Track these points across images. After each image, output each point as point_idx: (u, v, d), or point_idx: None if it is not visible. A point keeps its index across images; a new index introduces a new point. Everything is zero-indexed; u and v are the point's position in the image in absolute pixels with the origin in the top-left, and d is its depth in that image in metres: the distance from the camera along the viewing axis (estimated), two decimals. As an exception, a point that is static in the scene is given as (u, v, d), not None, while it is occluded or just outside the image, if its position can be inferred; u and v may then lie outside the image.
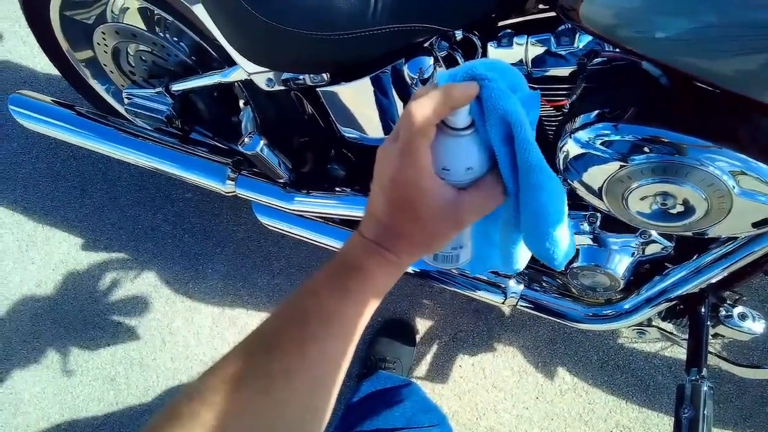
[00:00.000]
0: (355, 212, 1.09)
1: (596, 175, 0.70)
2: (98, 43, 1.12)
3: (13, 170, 1.55)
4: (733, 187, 0.63)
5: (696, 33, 0.54)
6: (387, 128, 0.94)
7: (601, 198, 0.73)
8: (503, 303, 1.07)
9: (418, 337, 1.38)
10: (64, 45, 1.16)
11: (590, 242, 0.92)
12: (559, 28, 0.71)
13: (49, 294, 1.46)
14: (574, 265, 0.94)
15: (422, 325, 1.39)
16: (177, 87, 1.07)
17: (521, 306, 1.07)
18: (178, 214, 1.52)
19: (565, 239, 0.45)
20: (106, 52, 1.13)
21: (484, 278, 1.07)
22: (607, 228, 0.90)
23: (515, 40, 0.74)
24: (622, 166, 0.67)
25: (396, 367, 1.30)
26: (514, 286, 1.05)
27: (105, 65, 1.18)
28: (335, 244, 1.16)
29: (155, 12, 1.03)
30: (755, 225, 0.68)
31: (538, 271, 1.07)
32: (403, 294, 1.41)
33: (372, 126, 0.94)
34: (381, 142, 1.06)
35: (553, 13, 0.74)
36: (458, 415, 1.31)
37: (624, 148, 0.66)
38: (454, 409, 1.31)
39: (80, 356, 1.40)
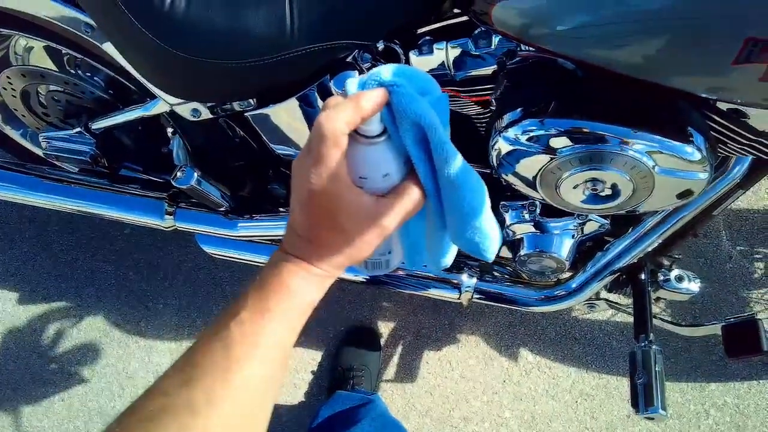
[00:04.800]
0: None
1: (529, 169, 0.73)
2: (4, 88, 1.05)
3: (-72, 231, 1.45)
4: (653, 167, 0.67)
5: (597, 26, 0.57)
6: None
7: (536, 189, 0.76)
8: (458, 298, 1.09)
9: (382, 341, 1.39)
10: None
11: (533, 229, 0.95)
12: (476, 32, 0.73)
13: (-11, 356, 1.37)
14: (521, 252, 0.98)
15: (385, 328, 1.40)
16: (97, 125, 1.02)
17: (477, 299, 1.09)
18: (119, 253, 1.46)
19: (492, 231, 0.46)
20: (15, 96, 1.07)
21: (437, 276, 1.08)
22: (547, 214, 0.93)
23: (435, 46, 0.75)
24: (551, 159, 0.70)
25: (364, 374, 1.30)
26: (468, 281, 1.07)
27: (15, 110, 1.12)
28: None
29: (63, 51, 0.98)
30: (679, 196, 0.72)
31: (488, 263, 1.10)
32: (363, 300, 1.42)
33: (304, 141, 0.94)
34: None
35: (466, 18, 0.75)
36: (431, 410, 1.33)
37: (550, 141, 0.68)
38: (427, 405, 1.33)
39: (33, 416, 1.33)
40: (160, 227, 1.09)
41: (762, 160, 0.74)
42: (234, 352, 0.37)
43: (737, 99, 0.61)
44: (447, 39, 0.74)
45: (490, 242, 0.47)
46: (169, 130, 1.12)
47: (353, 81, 0.40)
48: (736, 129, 0.68)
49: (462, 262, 1.09)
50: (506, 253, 1.05)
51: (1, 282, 1.43)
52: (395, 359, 1.37)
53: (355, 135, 0.40)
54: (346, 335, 1.39)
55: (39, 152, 1.24)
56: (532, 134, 0.69)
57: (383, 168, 0.41)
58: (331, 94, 0.84)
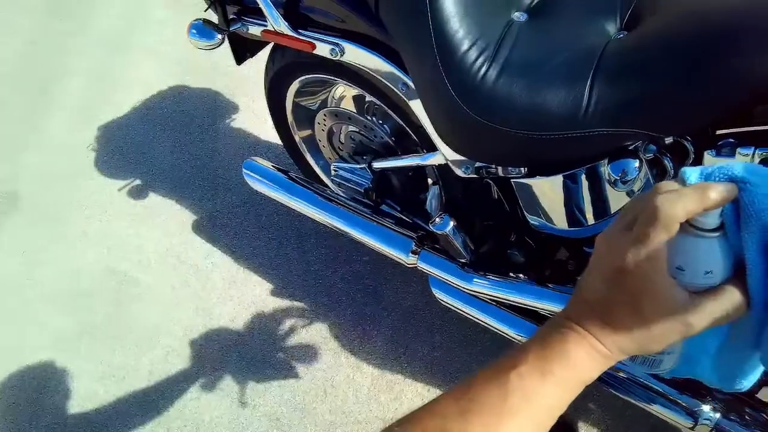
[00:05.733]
0: (528, 300, 1.08)
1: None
2: (319, 123, 1.31)
3: (229, 219, 1.84)
4: None
5: None
6: (574, 221, 0.94)
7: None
8: (691, 429, 0.95)
9: (579, 444, 1.28)
10: (290, 122, 1.38)
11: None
12: (796, 143, 0.66)
13: (239, 329, 1.66)
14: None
15: (586, 431, 1.29)
16: (378, 165, 1.20)
17: (714, 436, 0.94)
18: (355, 275, 1.65)
19: None
20: (323, 131, 1.32)
21: (672, 396, 0.96)
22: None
23: (739, 150, 0.70)
24: None
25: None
26: (708, 412, 0.93)
27: (319, 141, 1.38)
28: (504, 328, 1.15)
29: (366, 98, 1.18)
30: None
31: (741, 401, 0.94)
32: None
33: (559, 218, 0.95)
34: (564, 232, 1.05)
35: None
36: None
37: None
38: None
39: (254, 391, 1.55)
40: (403, 262, 1.20)
41: None
42: (510, 401, 0.38)
43: None
44: (756, 145, 0.69)
45: None
46: (430, 180, 1.25)
47: (694, 170, 0.39)
48: None
49: (705, 389, 0.96)
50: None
51: (264, 273, 1.73)
52: (589, 469, 1.24)
53: (686, 224, 0.39)
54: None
55: (324, 178, 1.49)
56: None
57: (708, 265, 0.39)
58: (600, 178, 0.85)
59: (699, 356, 0.47)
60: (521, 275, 1.12)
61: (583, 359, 0.40)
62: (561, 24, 0.84)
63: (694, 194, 0.37)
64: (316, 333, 1.59)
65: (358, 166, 1.23)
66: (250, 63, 1.40)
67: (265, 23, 1.10)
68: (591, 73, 0.74)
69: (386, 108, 1.13)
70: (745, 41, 0.65)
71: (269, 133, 1.76)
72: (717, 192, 0.37)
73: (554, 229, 0.98)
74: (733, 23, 0.68)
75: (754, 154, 0.69)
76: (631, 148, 0.80)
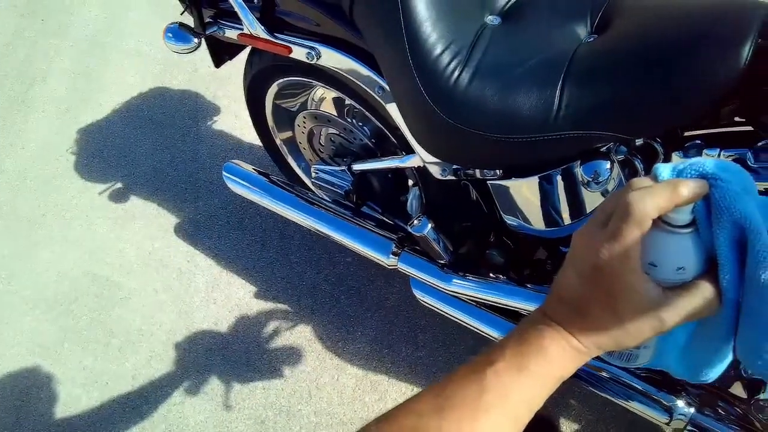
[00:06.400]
0: (507, 301, 1.09)
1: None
2: (299, 125, 1.31)
3: (212, 222, 1.83)
4: None
5: None
6: (550, 221, 0.95)
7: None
8: (667, 424, 0.97)
9: (561, 440, 1.29)
10: (270, 125, 1.38)
11: (784, 374, 0.81)
12: (760, 144, 0.68)
13: (223, 333, 1.65)
14: (761, 396, 0.84)
15: (567, 428, 1.30)
16: (358, 167, 1.20)
17: (689, 431, 0.96)
18: (339, 276, 1.65)
19: None
20: (303, 133, 1.32)
21: (648, 392, 0.98)
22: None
23: (705, 151, 0.72)
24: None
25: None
26: (683, 407, 0.95)
27: (300, 143, 1.37)
28: (484, 328, 1.16)
29: (347, 101, 1.18)
30: None
31: (713, 394, 0.96)
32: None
33: (536, 218, 0.96)
34: (541, 232, 1.06)
35: (750, 128, 0.71)
36: None
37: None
38: None
39: (240, 394, 1.55)
40: (383, 264, 1.21)
41: None
42: (486, 397, 0.39)
43: None
44: (721, 146, 0.71)
45: None
46: (411, 182, 1.25)
47: (666, 167, 0.40)
48: None
49: (681, 385, 0.97)
50: (740, 390, 0.91)
51: (247, 276, 1.72)
52: (571, 465, 1.26)
53: (659, 221, 0.39)
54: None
55: (306, 180, 1.49)
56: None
57: (679, 261, 0.39)
58: (574, 178, 0.86)
59: (669, 348, 0.48)
60: (500, 275, 1.14)
61: (559, 355, 0.41)
62: (533, 28, 0.85)
63: (666, 190, 0.37)
64: (300, 335, 1.59)
65: (339, 168, 1.24)
66: (231, 64, 1.39)
67: (241, 27, 1.10)
68: (562, 77, 0.75)
69: (365, 111, 1.13)
70: (707, 47, 0.66)
71: (251, 135, 1.75)
72: (688, 188, 0.37)
73: (531, 230, 0.99)
74: (696, 30, 0.69)
75: (719, 154, 0.71)
76: (603, 149, 0.81)
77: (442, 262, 1.13)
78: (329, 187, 1.26)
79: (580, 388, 1.30)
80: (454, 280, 1.11)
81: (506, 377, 0.39)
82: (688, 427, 0.96)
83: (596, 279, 0.39)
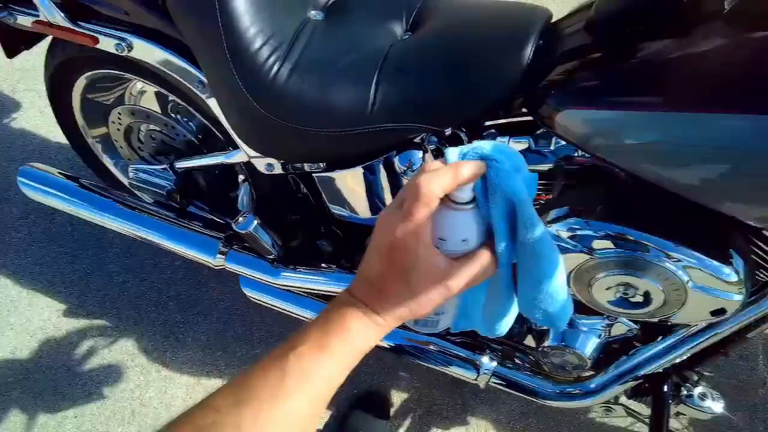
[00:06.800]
0: (339, 288, 1.15)
1: (566, 264, 0.78)
2: (113, 122, 1.20)
3: (9, 235, 1.58)
4: (687, 281, 0.70)
5: (656, 148, 0.62)
6: (375, 209, 1.02)
7: (568, 284, 0.81)
8: (475, 379, 1.11)
9: (393, 410, 1.39)
10: (80, 122, 1.24)
11: (561, 323, 0.99)
12: (538, 132, 0.81)
13: (23, 361, 1.44)
14: (545, 343, 1.01)
15: (398, 397, 1.41)
16: (181, 165, 1.15)
17: (493, 383, 1.11)
18: (166, 282, 1.55)
19: (565, 300, 0.49)
20: (119, 130, 1.21)
21: (458, 354, 1.11)
22: (577, 310, 0.97)
23: (498, 139, 0.83)
24: (588, 258, 0.75)
25: (370, 442, 1.30)
26: (487, 363, 1.10)
27: (116, 141, 1.26)
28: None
29: (170, 97, 1.12)
30: (712, 314, 0.74)
31: (511, 348, 1.13)
32: (381, 367, 1.44)
33: (361, 207, 1.02)
34: (367, 221, 1.13)
35: (531, 118, 0.84)
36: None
37: (591, 242, 0.73)
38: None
39: (44, 428, 1.37)
40: (210, 264, 1.17)
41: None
42: (287, 382, 0.40)
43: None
44: (510, 134, 0.83)
45: (563, 312, 0.49)
46: (240, 177, 1.24)
47: (454, 150, 0.44)
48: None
49: (485, 344, 1.13)
50: (531, 342, 1.08)
51: (54, 293, 1.52)
52: (402, 431, 1.37)
53: (446, 199, 0.43)
54: (357, 399, 1.40)
55: (124, 181, 1.37)
56: (575, 233, 0.74)
57: (463, 233, 0.44)
58: (394, 168, 0.94)
59: (473, 311, 0.55)
60: (333, 265, 1.18)
61: (360, 330, 0.43)
62: (354, 24, 0.89)
63: (449, 172, 0.41)
64: (122, 350, 1.46)
65: (160, 167, 1.17)
66: (36, 53, 1.21)
67: (37, 13, 0.97)
68: (376, 73, 0.81)
69: (187, 105, 1.09)
70: (496, 48, 0.77)
71: (61, 134, 1.55)
72: (467, 169, 0.41)
73: (358, 218, 1.05)
74: (489, 33, 0.80)
75: (508, 141, 0.83)
76: (416, 140, 0.90)
77: (271, 257, 1.14)
78: (149, 188, 1.18)
79: (407, 360, 1.41)
80: (284, 274, 1.13)
81: (308, 359, 0.41)
82: (493, 380, 1.11)
83: (393, 256, 0.43)
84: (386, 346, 1.17)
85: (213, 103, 0.93)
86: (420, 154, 0.89)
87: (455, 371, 1.13)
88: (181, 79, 0.94)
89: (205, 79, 0.91)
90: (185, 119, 1.14)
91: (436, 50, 0.82)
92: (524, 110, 0.81)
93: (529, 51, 0.75)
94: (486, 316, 0.55)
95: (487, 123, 0.85)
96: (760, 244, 0.70)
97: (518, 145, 0.81)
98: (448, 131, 0.87)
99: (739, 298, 0.70)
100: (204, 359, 1.46)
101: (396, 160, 0.90)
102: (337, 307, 0.44)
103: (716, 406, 0.97)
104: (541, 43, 0.76)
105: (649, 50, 0.65)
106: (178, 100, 1.06)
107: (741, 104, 0.56)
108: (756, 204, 0.60)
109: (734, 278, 0.67)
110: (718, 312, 0.74)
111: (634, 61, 0.65)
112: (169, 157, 1.17)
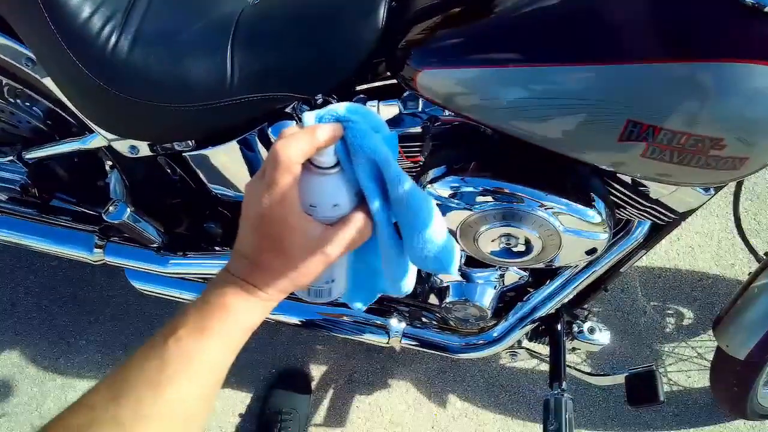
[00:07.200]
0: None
1: (450, 222, 0.78)
2: (-65, 115, 1.03)
3: None
4: (559, 227, 0.73)
5: (511, 103, 0.63)
6: (260, 185, 0.96)
7: (457, 241, 0.81)
8: (387, 343, 1.12)
9: (313, 384, 1.38)
10: None
11: (458, 278, 1.00)
12: (405, 94, 0.79)
13: None
14: (447, 300, 1.02)
15: (317, 371, 1.40)
16: (31, 155, 1.01)
17: (405, 343, 1.12)
18: (43, 285, 1.41)
19: (448, 243, 0.48)
20: (-56, 121, 1.05)
21: (367, 320, 1.11)
22: (471, 264, 0.98)
23: (368, 103, 0.80)
24: (470, 214, 0.75)
25: (293, 418, 1.29)
26: (396, 325, 1.10)
27: (-57, 134, 1.09)
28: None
29: (3, 81, 0.97)
30: (587, 253, 0.79)
31: (417, 308, 1.14)
32: (296, 342, 1.42)
33: (241, 183, 0.96)
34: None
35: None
36: (359, 456, 1.32)
37: (470, 198, 0.74)
38: (355, 451, 1.33)
39: (-72, 460, 1.23)
40: (89, 261, 1.07)
41: (659, 224, 0.83)
42: (168, 369, 0.37)
43: (629, 172, 0.68)
44: (379, 98, 0.80)
45: (448, 254, 0.48)
46: (108, 163, 1.12)
47: (311, 114, 0.42)
48: (633, 197, 0.76)
49: (393, 307, 1.13)
50: (435, 300, 1.10)
51: None
52: (325, 403, 1.37)
53: (309, 165, 0.42)
54: (276, 378, 1.38)
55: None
56: (454, 190, 0.74)
57: (333, 198, 0.43)
58: (268, 140, 0.88)
59: (372, 279, 0.53)
60: (226, 248, 1.12)
61: (242, 308, 0.41)
62: None
63: (305, 136, 0.39)
64: (6, 364, 1.33)
65: (5, 159, 1.02)
66: None
67: None
68: (230, 41, 0.74)
69: (24, 89, 0.95)
70: (350, 11, 0.73)
71: None
72: (323, 131, 0.40)
73: (241, 196, 0.98)
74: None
75: (378, 106, 0.80)
76: (287, 110, 0.84)
77: (155, 245, 1.05)
78: (-2, 183, 1.04)
79: (320, 333, 1.40)
80: (172, 262, 1.06)
81: (188, 343, 0.39)
82: (404, 341, 1.12)
83: (264, 228, 0.41)
84: (297, 322, 1.14)
85: (48, 82, 0.82)
86: (292, 123, 0.84)
87: (368, 338, 1.12)
88: (5, 57, 0.81)
89: (33, 56, 0.79)
90: (27, 104, 1.00)
91: (288, 15, 0.76)
92: (388, 73, 0.78)
93: (382, 13, 0.71)
94: (386, 276, 0.53)
95: (358, 88, 0.81)
96: (617, 186, 0.74)
97: (388, 108, 0.78)
98: (319, 99, 0.83)
99: (604, 236, 0.74)
100: (103, 360, 1.36)
101: (269, 131, 0.84)
102: (215, 287, 0.42)
103: (604, 338, 1.04)
104: (393, 4, 0.73)
105: (504, 4, 0.63)
106: (13, 83, 0.92)
107: (591, 55, 0.56)
108: (609, 150, 0.61)
109: (598, 219, 0.71)
110: (591, 251, 0.78)
111: (490, 16, 0.63)
112: (16, 147, 1.03)
